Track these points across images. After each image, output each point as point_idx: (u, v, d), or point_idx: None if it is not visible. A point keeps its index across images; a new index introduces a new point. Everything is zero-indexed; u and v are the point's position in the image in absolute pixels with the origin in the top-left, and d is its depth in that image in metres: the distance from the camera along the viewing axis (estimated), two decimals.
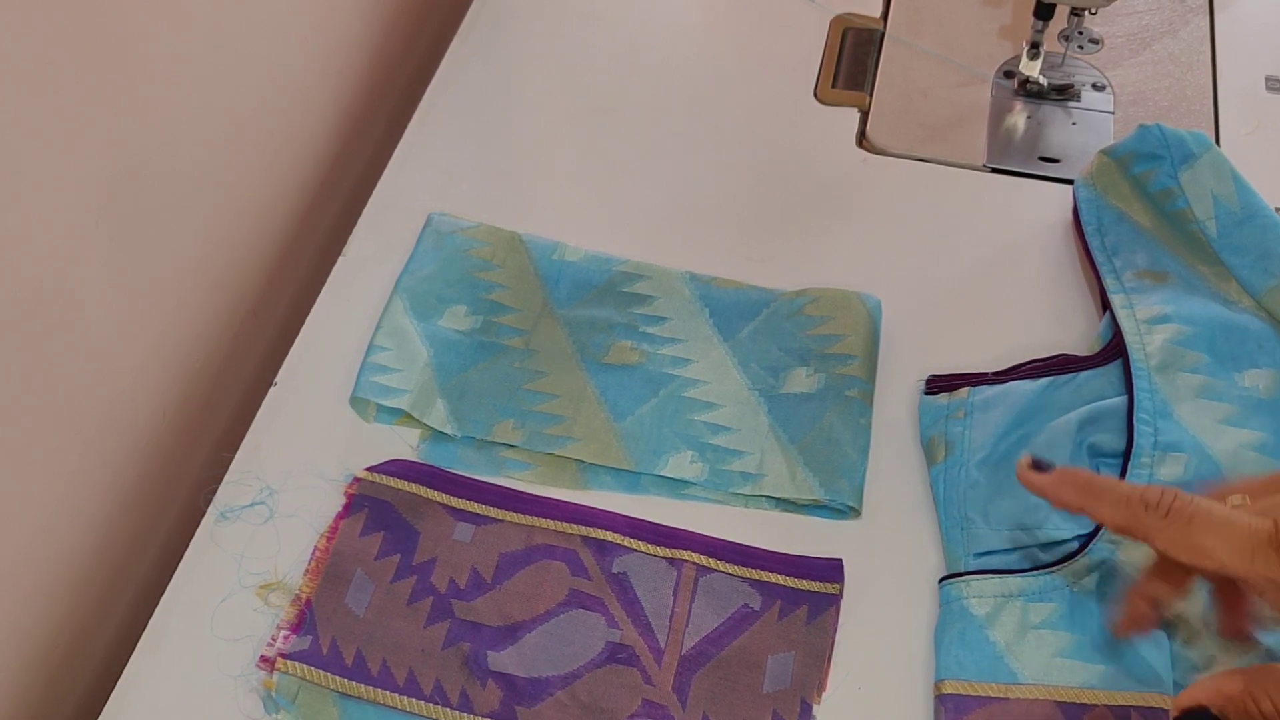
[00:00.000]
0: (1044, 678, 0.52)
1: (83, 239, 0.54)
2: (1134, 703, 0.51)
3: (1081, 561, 0.54)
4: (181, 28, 0.58)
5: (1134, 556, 0.54)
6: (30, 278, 0.51)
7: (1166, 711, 0.50)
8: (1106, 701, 0.51)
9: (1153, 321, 0.60)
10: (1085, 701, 0.51)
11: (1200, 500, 0.43)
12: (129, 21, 0.53)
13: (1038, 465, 0.48)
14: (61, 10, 0.49)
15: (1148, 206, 0.65)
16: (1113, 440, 0.57)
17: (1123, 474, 0.56)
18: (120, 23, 0.53)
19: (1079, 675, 0.52)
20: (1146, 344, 0.59)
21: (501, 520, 0.58)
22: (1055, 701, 0.51)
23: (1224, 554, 0.42)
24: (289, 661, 0.53)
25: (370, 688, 0.53)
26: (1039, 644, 0.53)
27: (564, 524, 0.58)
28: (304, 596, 0.55)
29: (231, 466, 0.60)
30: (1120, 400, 0.58)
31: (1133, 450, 0.56)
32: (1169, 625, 0.52)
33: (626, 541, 0.57)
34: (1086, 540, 0.55)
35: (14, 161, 0.48)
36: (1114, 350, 0.60)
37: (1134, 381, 0.58)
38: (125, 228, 0.56)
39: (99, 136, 0.53)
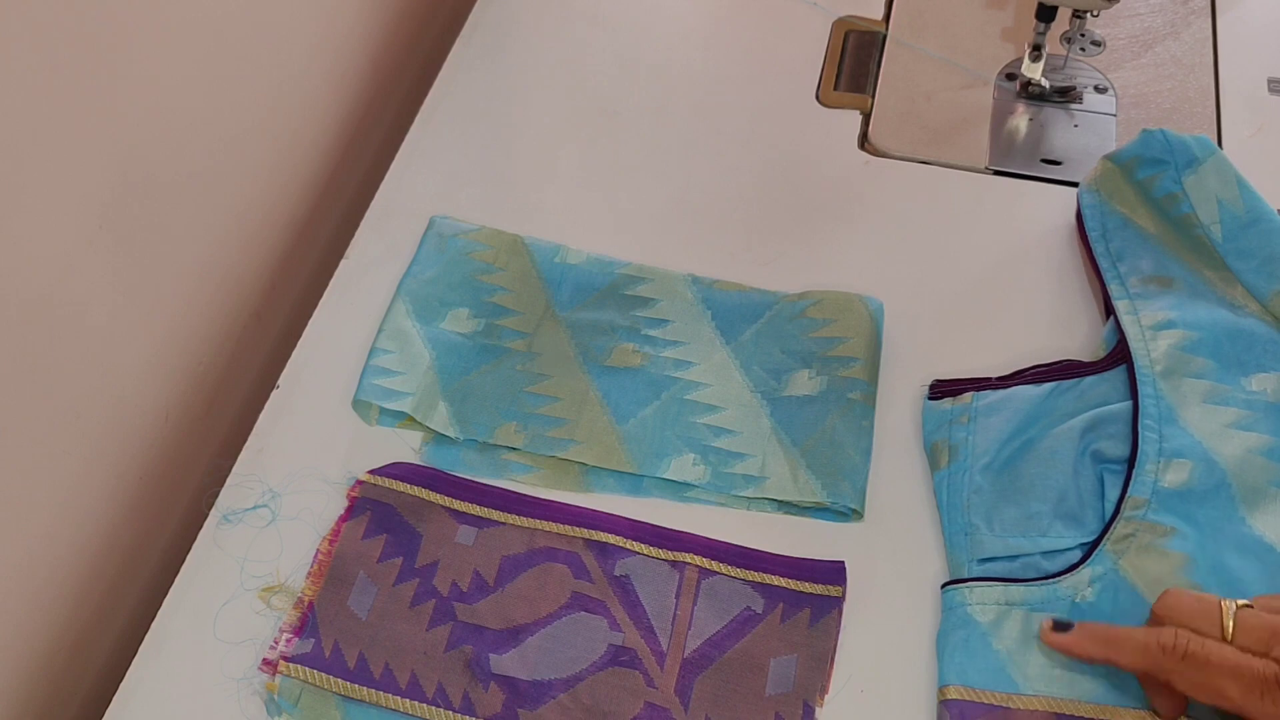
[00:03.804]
0: (1044, 689, 0.52)
1: (86, 243, 0.54)
2: (1134, 717, 0.51)
3: (1084, 573, 0.54)
4: (184, 33, 0.58)
5: (1136, 568, 0.54)
6: (34, 281, 0.51)
7: None
8: (1104, 716, 0.51)
9: (1158, 327, 0.60)
10: (1085, 715, 0.51)
11: (1211, 644, 0.47)
12: (132, 27, 0.54)
13: (1058, 626, 0.51)
14: (65, 16, 0.49)
15: (1152, 212, 0.65)
16: (1117, 446, 0.57)
17: (1127, 481, 0.56)
18: (123, 28, 0.53)
19: (1078, 688, 0.52)
20: (1151, 350, 0.59)
21: (504, 523, 0.58)
22: (1055, 714, 0.51)
23: (1238, 696, 0.46)
24: (291, 664, 0.53)
25: (373, 690, 0.53)
26: (1040, 655, 0.52)
27: (566, 527, 0.58)
28: (306, 599, 0.56)
29: (234, 469, 0.60)
30: (1125, 406, 0.58)
31: (1137, 457, 0.56)
32: None
33: (629, 544, 0.57)
34: (1089, 550, 0.55)
35: (18, 166, 0.48)
36: (1119, 356, 0.60)
37: (1139, 388, 0.58)
38: (129, 231, 0.56)
39: (102, 141, 0.53)
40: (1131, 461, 0.56)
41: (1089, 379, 0.60)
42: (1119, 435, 0.58)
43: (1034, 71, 0.76)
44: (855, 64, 0.80)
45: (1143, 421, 0.57)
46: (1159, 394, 0.57)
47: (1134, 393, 0.58)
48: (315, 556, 0.57)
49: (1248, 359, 0.59)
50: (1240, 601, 0.48)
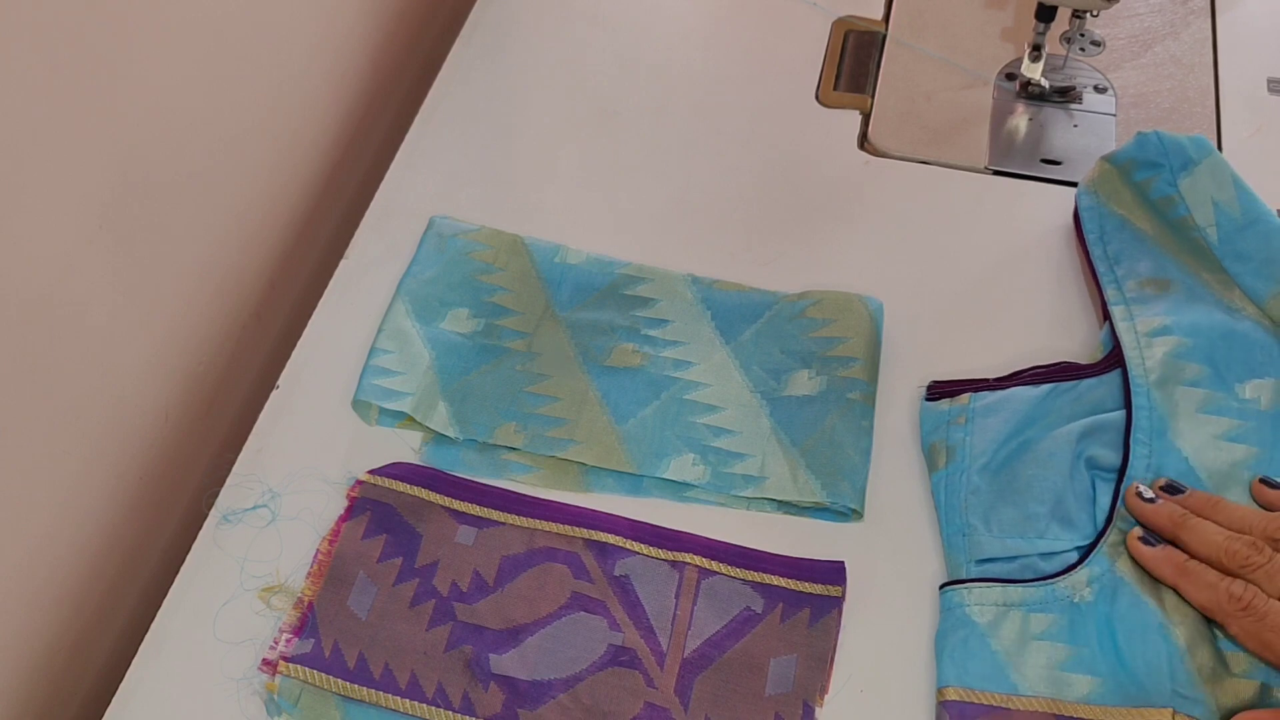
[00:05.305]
0: (1043, 690, 0.52)
1: (86, 243, 0.54)
2: (1133, 718, 0.51)
3: (1081, 573, 0.54)
4: (184, 33, 0.58)
5: (1133, 569, 0.54)
6: (34, 281, 0.51)
7: None
8: (1102, 717, 0.51)
9: (1153, 334, 0.60)
10: (1083, 715, 0.51)
11: (1274, 603, 0.50)
12: (132, 27, 0.54)
13: (1146, 540, 0.54)
14: (65, 16, 0.49)
15: (1150, 214, 0.65)
16: (1111, 455, 0.58)
17: (1116, 492, 0.56)
18: (123, 28, 0.53)
19: (1078, 689, 0.52)
20: (1146, 358, 0.59)
21: (503, 523, 0.58)
22: (1054, 714, 0.51)
23: None
24: (291, 664, 0.53)
25: (372, 690, 0.53)
26: (1039, 655, 0.52)
27: (566, 527, 0.58)
28: (306, 599, 0.56)
29: (234, 469, 0.60)
30: (1121, 415, 0.58)
31: (1127, 471, 0.56)
32: (1169, 632, 0.52)
33: (628, 544, 0.57)
34: (1086, 552, 0.55)
35: (18, 166, 0.48)
36: (1115, 359, 0.60)
37: (1133, 399, 0.58)
38: (129, 231, 0.57)
39: (102, 141, 0.53)
40: (1121, 473, 0.56)
41: (1086, 381, 0.60)
42: (1113, 444, 0.58)
43: (1034, 71, 0.76)
44: (855, 64, 0.80)
45: (1135, 435, 0.57)
46: (1152, 404, 0.58)
47: (1128, 404, 0.58)
48: (315, 556, 0.57)
49: (1243, 365, 0.58)
50: None
